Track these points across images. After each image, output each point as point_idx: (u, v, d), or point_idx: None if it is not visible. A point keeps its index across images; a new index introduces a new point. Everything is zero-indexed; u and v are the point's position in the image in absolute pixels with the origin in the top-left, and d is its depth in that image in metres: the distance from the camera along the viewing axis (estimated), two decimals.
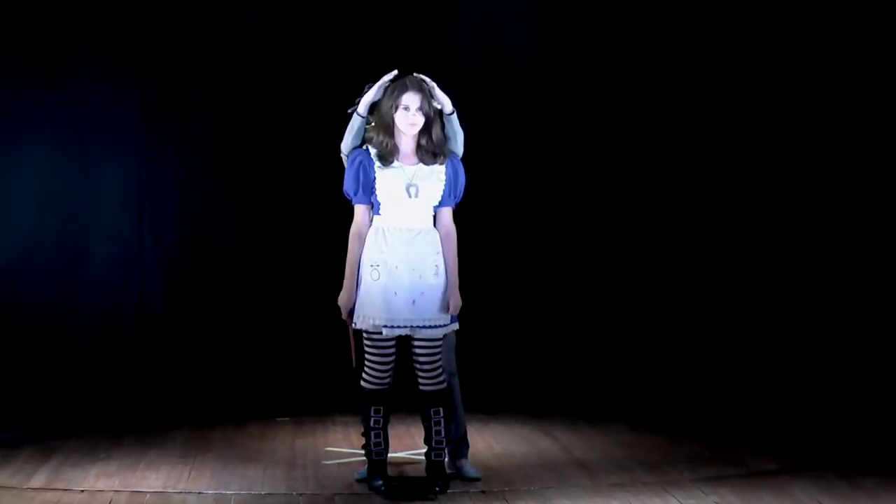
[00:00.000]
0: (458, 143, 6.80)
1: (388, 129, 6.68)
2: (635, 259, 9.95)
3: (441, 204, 6.71)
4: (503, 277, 9.82)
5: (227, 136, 9.72)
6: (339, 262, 6.79)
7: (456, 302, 6.69)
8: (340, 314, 6.70)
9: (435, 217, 6.72)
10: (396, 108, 6.65)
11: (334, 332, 7.51)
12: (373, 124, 6.73)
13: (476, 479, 7.00)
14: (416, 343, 6.68)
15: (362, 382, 6.75)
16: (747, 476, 7.16)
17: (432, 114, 6.67)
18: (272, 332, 9.67)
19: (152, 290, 9.63)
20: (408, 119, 6.65)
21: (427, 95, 6.66)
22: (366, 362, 6.72)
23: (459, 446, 7.11)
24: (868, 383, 9.42)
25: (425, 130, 6.67)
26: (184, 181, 9.70)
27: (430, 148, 6.67)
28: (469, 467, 7.10)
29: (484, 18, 9.93)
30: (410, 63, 7.03)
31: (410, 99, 6.65)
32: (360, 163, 6.68)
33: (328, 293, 7.00)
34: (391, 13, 9.73)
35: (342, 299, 6.68)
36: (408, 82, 6.70)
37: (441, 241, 6.71)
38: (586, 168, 9.95)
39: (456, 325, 6.75)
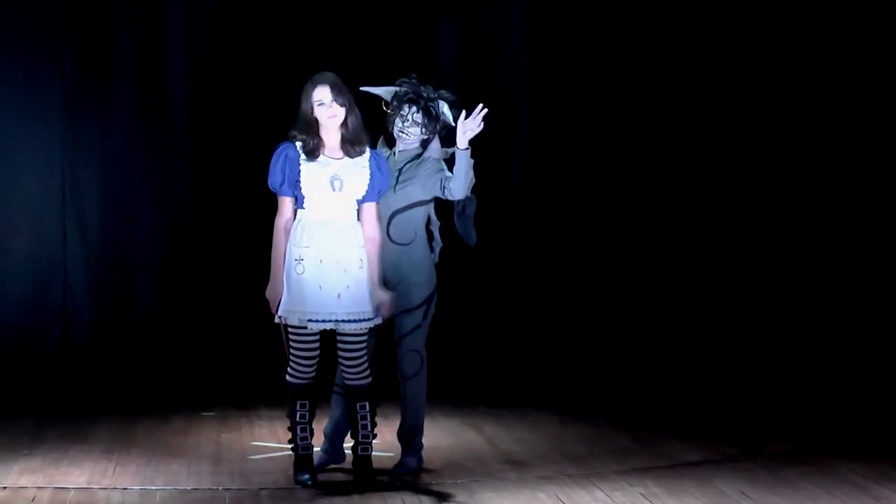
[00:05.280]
0: (464, 183, 6.75)
1: (311, 127, 6.66)
2: (566, 248, 9.98)
3: (365, 199, 6.70)
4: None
5: (151, 128, 9.66)
6: (264, 255, 6.78)
7: (382, 299, 6.68)
8: (269, 307, 6.68)
9: (360, 213, 6.71)
10: (312, 106, 6.64)
11: (258, 326, 7.48)
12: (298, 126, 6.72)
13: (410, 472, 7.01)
14: (341, 337, 6.67)
15: (287, 377, 6.73)
16: (672, 467, 7.21)
17: (347, 104, 6.65)
18: (196, 326, 9.62)
19: (75, 284, 9.55)
20: (327, 113, 6.63)
21: (338, 86, 6.64)
22: (291, 356, 6.70)
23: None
24: (792, 373, 9.52)
25: (344, 123, 6.66)
26: (107, 175, 9.62)
27: (349, 137, 6.66)
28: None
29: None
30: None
31: (322, 93, 6.64)
32: (286, 156, 6.66)
33: (253, 286, 6.98)
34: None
35: (269, 292, 6.66)
36: (315, 79, 6.69)
37: (365, 239, 6.70)
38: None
39: (380, 320, 6.74)
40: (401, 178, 6.94)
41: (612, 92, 9.95)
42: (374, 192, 6.72)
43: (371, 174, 6.69)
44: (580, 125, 9.97)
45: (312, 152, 6.65)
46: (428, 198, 6.96)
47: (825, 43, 9.78)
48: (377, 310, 6.69)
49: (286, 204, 6.69)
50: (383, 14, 9.68)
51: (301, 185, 6.63)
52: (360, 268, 6.65)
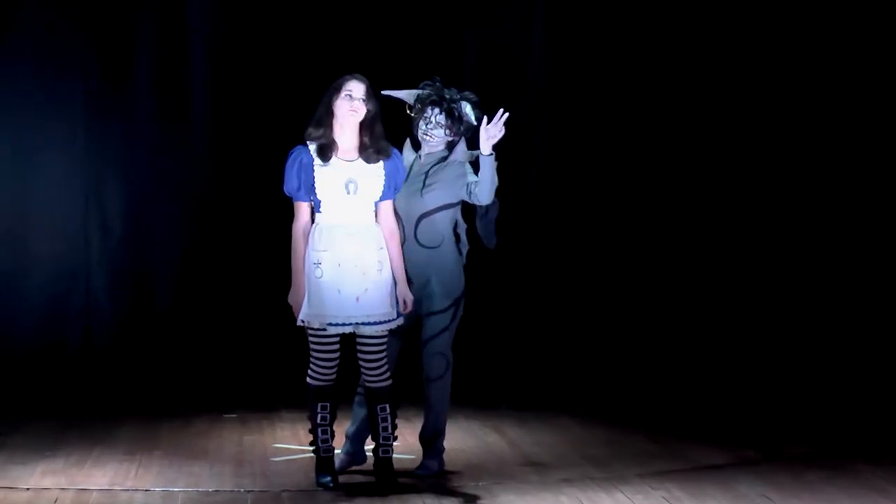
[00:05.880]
0: (490, 188, 6.75)
1: (326, 121, 6.64)
2: (588, 250, 9.98)
3: (381, 198, 6.69)
4: None
5: (172, 132, 9.69)
6: (284, 257, 6.77)
7: (407, 295, 6.69)
8: (292, 311, 6.67)
9: (377, 212, 6.70)
10: (338, 97, 6.61)
11: (280, 328, 7.49)
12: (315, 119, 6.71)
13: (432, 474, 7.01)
14: (361, 340, 6.67)
15: (308, 379, 6.74)
16: (693, 470, 7.19)
17: (373, 110, 6.64)
18: (218, 329, 9.64)
19: (97, 286, 9.58)
20: (349, 105, 6.59)
21: (371, 91, 6.63)
22: (311, 359, 6.71)
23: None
24: (811, 377, 9.51)
25: (367, 127, 6.65)
26: (129, 178, 9.66)
27: (373, 144, 6.64)
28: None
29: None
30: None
31: (354, 86, 6.61)
32: (301, 161, 6.65)
33: (274, 290, 6.98)
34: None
35: (292, 298, 6.66)
36: (353, 74, 6.67)
37: (384, 238, 6.70)
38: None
39: (401, 321, 6.74)
40: (427, 182, 6.94)
41: (631, 97, 9.94)
42: (391, 191, 6.71)
43: (387, 175, 6.68)
44: (599, 129, 9.97)
45: (325, 154, 6.62)
46: (455, 201, 6.96)
47: (835, 51, 9.79)
48: (403, 305, 6.69)
49: (303, 209, 6.68)
50: (404, 23, 9.69)
51: (316, 189, 6.62)
52: (379, 270, 6.64)
